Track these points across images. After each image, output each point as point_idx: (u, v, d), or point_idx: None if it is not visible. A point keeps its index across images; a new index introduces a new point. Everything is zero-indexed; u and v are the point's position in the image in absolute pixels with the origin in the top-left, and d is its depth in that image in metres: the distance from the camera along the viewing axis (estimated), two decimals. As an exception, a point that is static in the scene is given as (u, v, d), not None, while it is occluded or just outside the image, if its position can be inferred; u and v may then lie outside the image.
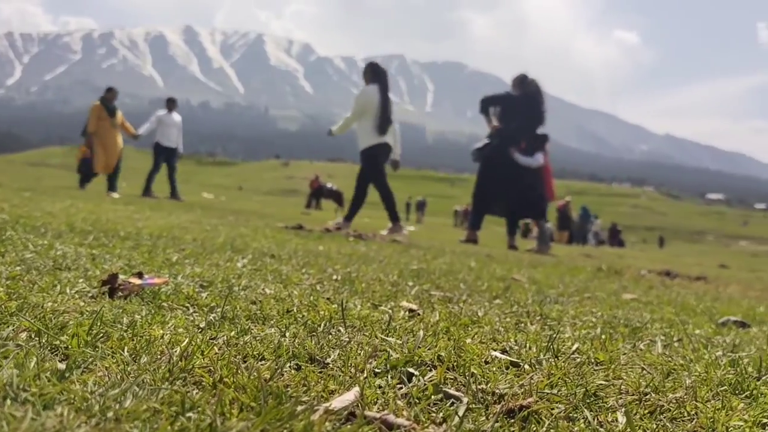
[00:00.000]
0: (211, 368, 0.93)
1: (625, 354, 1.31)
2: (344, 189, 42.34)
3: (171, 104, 13.48)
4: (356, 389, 0.88)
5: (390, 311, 1.58)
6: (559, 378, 1.05)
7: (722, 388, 1.10)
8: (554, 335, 1.34)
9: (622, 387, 1.04)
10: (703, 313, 2.34)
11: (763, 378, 1.19)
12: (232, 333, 1.21)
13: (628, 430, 0.84)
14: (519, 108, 8.98)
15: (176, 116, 13.39)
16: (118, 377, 0.85)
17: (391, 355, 1.09)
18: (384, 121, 7.85)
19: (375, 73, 7.98)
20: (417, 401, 0.90)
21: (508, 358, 1.18)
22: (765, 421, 0.91)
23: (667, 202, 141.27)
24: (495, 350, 1.22)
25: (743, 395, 1.08)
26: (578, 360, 1.21)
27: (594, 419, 0.88)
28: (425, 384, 0.96)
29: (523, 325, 1.61)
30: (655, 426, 0.88)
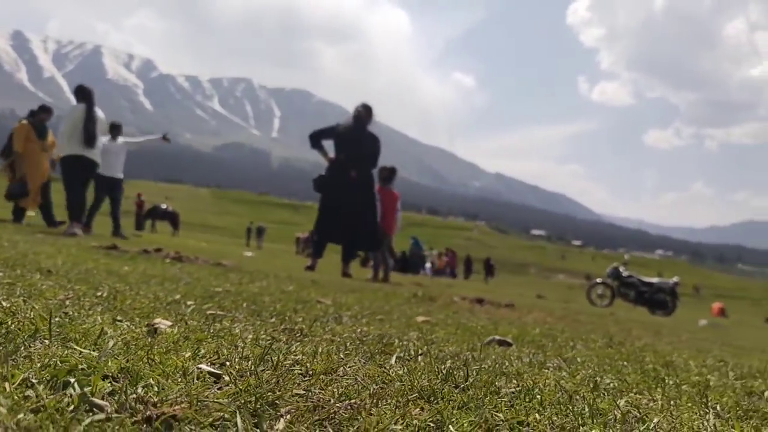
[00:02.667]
0: None
1: (350, 366, 1.31)
2: (182, 210, 40.61)
3: (115, 130, 11.89)
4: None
5: (127, 326, 1.47)
6: (249, 387, 1.01)
7: (413, 395, 1.12)
8: (269, 346, 1.30)
9: (313, 396, 1.02)
10: (479, 333, 2.45)
11: (464, 385, 1.24)
12: None
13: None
14: (346, 138, 9.17)
15: (120, 142, 11.97)
16: None
17: (60, 366, 0.98)
18: (88, 136, 9.21)
19: (82, 94, 9.40)
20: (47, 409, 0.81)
21: (212, 370, 1.12)
22: (431, 422, 0.93)
23: (496, 236, 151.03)
24: (205, 364, 1.16)
25: (429, 399, 1.10)
26: (295, 371, 1.18)
27: (249, 424, 0.85)
28: (74, 395, 0.87)
29: (272, 340, 1.56)
30: (317, 429, 0.86)
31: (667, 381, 1.54)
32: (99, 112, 9.42)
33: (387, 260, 11.02)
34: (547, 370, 1.58)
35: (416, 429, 0.89)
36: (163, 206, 33.89)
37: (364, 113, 9.24)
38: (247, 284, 4.30)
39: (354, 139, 9.16)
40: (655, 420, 1.11)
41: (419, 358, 1.51)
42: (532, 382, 1.33)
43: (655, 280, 17.94)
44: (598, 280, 18.18)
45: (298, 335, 1.72)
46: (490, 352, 1.90)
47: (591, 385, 1.42)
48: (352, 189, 9.15)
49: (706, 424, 1.09)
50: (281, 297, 3.31)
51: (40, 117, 11.07)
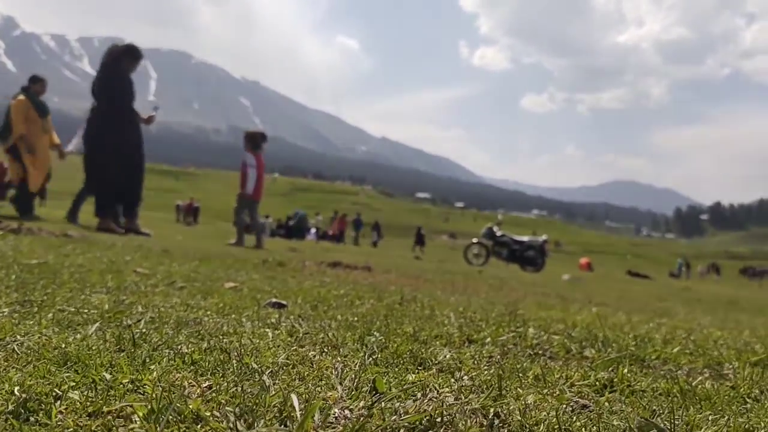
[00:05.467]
0: None
1: (27, 337, 1.31)
2: (51, 179, 37.95)
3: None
4: None
5: None
6: None
7: (44, 361, 1.15)
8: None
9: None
10: (268, 297, 2.50)
11: (130, 350, 1.29)
12: None
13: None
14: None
15: None
16: None
17: None
18: None
19: None
20: None
21: None
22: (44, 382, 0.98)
23: (383, 199, 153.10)
24: None
25: (75, 363, 1.15)
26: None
27: None
28: None
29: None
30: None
31: (375, 336, 1.66)
32: None
33: (258, 225, 10.91)
34: (268, 330, 1.66)
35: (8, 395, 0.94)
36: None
37: (113, 50, 8.77)
38: (77, 255, 4.12)
39: (95, 81, 8.66)
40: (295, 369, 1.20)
41: (142, 323, 1.55)
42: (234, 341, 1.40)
43: (525, 238, 18.73)
44: (474, 240, 18.77)
45: (29, 307, 1.70)
46: (251, 314, 1.96)
47: (303, 341, 1.51)
48: (99, 134, 8.60)
49: (335, 370, 1.20)
50: (93, 268, 3.22)
51: (35, 89, 9.60)
